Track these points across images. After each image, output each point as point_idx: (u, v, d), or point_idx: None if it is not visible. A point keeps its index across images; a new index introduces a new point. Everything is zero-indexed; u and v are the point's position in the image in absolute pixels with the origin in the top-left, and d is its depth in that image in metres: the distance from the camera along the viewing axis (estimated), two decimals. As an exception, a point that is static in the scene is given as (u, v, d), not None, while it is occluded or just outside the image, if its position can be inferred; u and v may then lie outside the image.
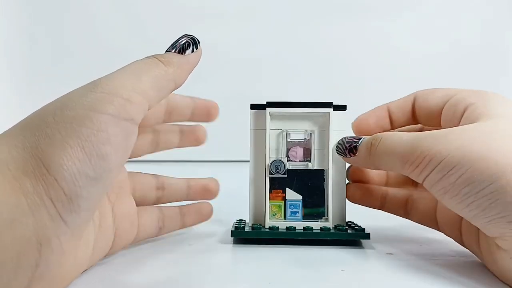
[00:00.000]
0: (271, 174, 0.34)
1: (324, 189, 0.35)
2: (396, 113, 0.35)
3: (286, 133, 0.35)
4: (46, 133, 0.21)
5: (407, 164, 0.27)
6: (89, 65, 0.77)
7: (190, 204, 0.36)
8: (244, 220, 0.36)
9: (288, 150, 0.35)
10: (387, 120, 0.35)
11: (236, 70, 0.80)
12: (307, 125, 0.35)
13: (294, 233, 0.33)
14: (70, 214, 0.21)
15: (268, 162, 0.34)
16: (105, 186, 0.23)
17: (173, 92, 0.27)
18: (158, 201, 0.35)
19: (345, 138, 0.33)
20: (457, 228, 0.31)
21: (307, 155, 0.35)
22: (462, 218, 0.30)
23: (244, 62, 0.80)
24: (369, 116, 0.35)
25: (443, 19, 0.83)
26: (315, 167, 0.35)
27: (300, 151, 0.35)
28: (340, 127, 0.35)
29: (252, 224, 0.34)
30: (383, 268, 0.29)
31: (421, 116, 0.34)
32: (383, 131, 0.34)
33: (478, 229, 0.28)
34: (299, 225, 0.33)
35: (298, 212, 0.34)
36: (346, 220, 0.35)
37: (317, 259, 0.31)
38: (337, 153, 0.33)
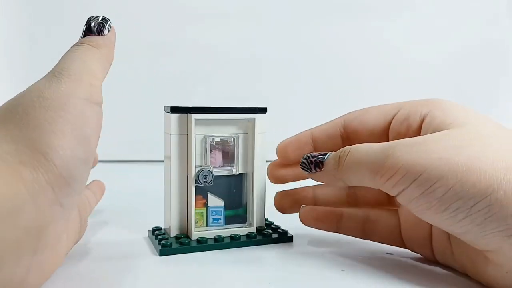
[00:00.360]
0: (197, 183, 0.32)
1: (246, 193, 0.34)
2: (321, 140, 0.33)
3: (212, 138, 0.33)
4: (33, 123, 0.22)
5: (378, 176, 0.25)
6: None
7: (87, 184, 0.35)
8: (161, 228, 0.34)
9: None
10: (310, 148, 0.34)
11: (236, 70, 0.80)
12: (231, 129, 0.33)
13: (222, 244, 0.32)
14: (67, 198, 0.22)
15: (194, 171, 0.32)
16: (90, 168, 0.24)
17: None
18: None
19: (310, 153, 0.30)
20: (427, 246, 0.30)
21: (228, 160, 0.34)
22: (431, 234, 0.29)
23: (244, 62, 0.80)
24: (289, 143, 0.34)
25: (443, 19, 0.83)
26: (239, 172, 0.34)
27: (219, 155, 0.34)
28: (262, 130, 0.34)
29: (176, 235, 0.33)
30: (383, 268, 0.29)
31: (359, 139, 0.31)
32: None
33: (451, 245, 0.28)
34: (225, 233, 0.33)
35: (220, 218, 0.33)
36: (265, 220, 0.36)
37: (317, 259, 0.31)
38: (302, 168, 0.30)
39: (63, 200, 0.22)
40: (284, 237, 0.34)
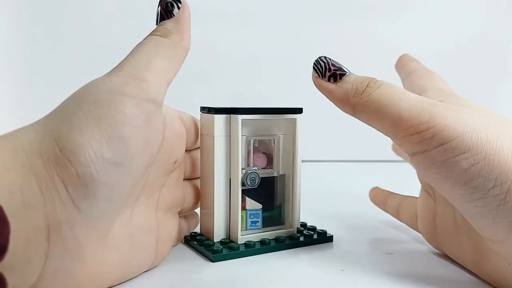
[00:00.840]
0: (244, 186, 0.31)
1: (284, 194, 0.34)
2: None
3: (255, 140, 0.32)
4: (66, 116, 0.20)
5: (403, 127, 0.23)
6: (89, 65, 0.77)
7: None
8: (197, 233, 0.33)
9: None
10: None
11: (236, 70, 0.80)
12: (272, 130, 0.33)
13: (268, 248, 0.31)
14: (85, 201, 0.19)
15: (240, 174, 0.31)
16: (129, 175, 0.21)
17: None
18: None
19: (330, 58, 0.27)
20: (434, 236, 0.30)
21: (269, 162, 0.33)
22: (435, 224, 0.29)
23: (244, 62, 0.80)
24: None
25: (442, 19, 0.83)
26: (280, 173, 0.33)
27: (261, 157, 0.33)
28: (301, 131, 0.33)
29: (221, 240, 0.31)
30: (383, 268, 0.29)
31: None
32: None
33: (457, 236, 0.28)
34: (268, 235, 0.32)
35: (258, 221, 0.33)
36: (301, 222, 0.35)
37: (317, 259, 0.31)
38: (314, 68, 0.27)
39: (79, 202, 0.19)
40: (324, 238, 0.34)
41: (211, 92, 0.78)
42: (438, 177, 0.23)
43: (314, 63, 0.27)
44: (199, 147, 0.33)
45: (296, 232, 0.34)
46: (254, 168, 0.32)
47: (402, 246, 0.33)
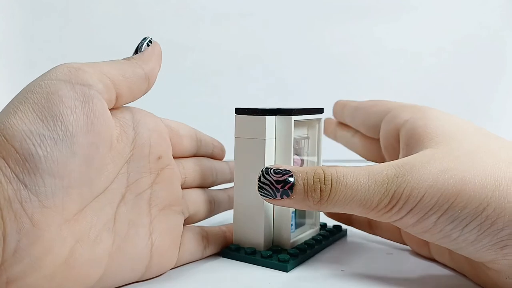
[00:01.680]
0: None
1: None
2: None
3: (294, 141, 0.31)
4: (5, 108, 0.22)
5: (373, 211, 0.24)
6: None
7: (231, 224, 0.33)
8: (236, 246, 0.31)
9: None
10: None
11: (237, 70, 0.80)
12: (303, 131, 0.32)
13: (316, 249, 0.31)
14: (29, 176, 0.21)
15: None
16: (73, 152, 0.22)
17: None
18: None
19: (268, 171, 0.25)
20: (425, 247, 0.30)
21: (302, 163, 0.33)
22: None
23: (245, 62, 0.80)
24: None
25: (441, 18, 0.83)
26: None
27: (299, 160, 0.33)
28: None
29: (271, 248, 0.30)
30: (383, 268, 0.29)
31: (360, 127, 0.35)
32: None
33: (449, 250, 0.28)
34: (304, 237, 0.32)
35: (293, 224, 0.32)
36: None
37: (317, 259, 0.31)
38: (261, 195, 0.26)
39: (24, 178, 0.20)
40: (342, 233, 0.35)
41: (212, 93, 0.78)
42: (417, 232, 0.24)
43: (259, 190, 0.26)
44: (203, 155, 0.33)
45: (319, 231, 0.34)
46: None
47: (402, 246, 0.33)
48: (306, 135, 0.33)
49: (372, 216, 0.25)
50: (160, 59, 0.28)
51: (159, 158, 0.28)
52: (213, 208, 0.33)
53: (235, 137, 0.30)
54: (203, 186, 0.33)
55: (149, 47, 0.28)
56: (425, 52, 0.83)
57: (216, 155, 0.35)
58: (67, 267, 0.22)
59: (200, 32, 0.79)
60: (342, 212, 0.25)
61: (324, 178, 0.25)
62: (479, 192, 0.22)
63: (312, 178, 0.25)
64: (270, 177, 0.25)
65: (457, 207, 0.22)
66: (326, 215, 0.36)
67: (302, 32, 0.82)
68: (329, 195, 0.24)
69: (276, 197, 0.25)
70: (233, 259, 0.30)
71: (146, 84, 0.27)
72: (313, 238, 0.32)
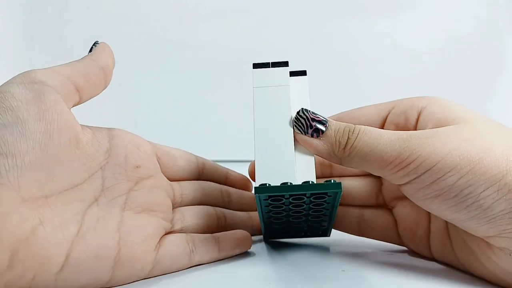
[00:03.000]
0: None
1: None
2: None
3: None
4: None
5: (389, 168, 0.25)
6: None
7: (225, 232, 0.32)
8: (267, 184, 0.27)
9: None
10: None
11: (236, 69, 0.80)
12: None
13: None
14: None
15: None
16: (24, 137, 0.24)
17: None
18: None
19: (308, 110, 0.28)
20: (424, 244, 0.30)
21: None
22: (429, 233, 0.30)
23: (243, 62, 0.80)
24: None
25: (440, 16, 0.83)
26: None
27: None
28: None
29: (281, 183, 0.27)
30: (383, 268, 0.29)
31: None
32: None
33: (451, 240, 0.28)
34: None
35: None
36: None
37: (317, 259, 0.31)
38: (295, 126, 0.28)
39: None
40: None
41: (213, 92, 0.78)
42: (429, 196, 0.25)
43: (294, 120, 0.28)
44: (202, 179, 0.33)
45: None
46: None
47: (402, 246, 0.33)
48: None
49: (387, 173, 0.25)
50: (111, 53, 0.30)
51: (136, 167, 0.29)
52: (223, 224, 0.32)
53: (254, 88, 0.31)
54: (203, 203, 0.33)
55: (97, 45, 0.30)
56: (424, 49, 0.83)
57: (230, 183, 0.36)
58: (28, 244, 0.22)
59: (196, 29, 0.79)
60: (363, 166, 0.26)
61: (354, 129, 0.27)
62: (499, 161, 0.23)
63: (343, 127, 0.27)
64: (309, 114, 0.28)
65: (477, 172, 0.23)
66: None
67: (301, 29, 0.82)
68: (353, 143, 0.26)
69: (308, 133, 0.27)
70: (271, 192, 0.26)
71: (103, 74, 0.29)
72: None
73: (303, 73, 0.32)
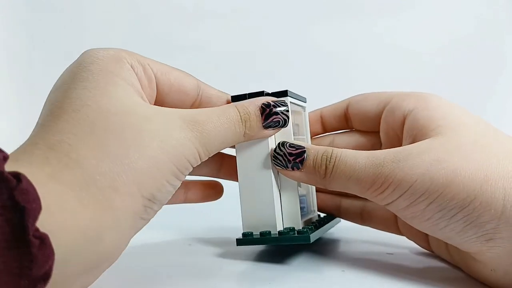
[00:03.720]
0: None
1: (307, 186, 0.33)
2: (329, 119, 0.35)
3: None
4: (140, 146, 0.21)
5: (369, 191, 0.26)
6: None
7: (197, 180, 0.32)
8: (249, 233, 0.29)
9: None
10: (319, 125, 0.35)
11: (234, 69, 0.80)
12: (296, 119, 0.32)
13: (323, 229, 0.31)
14: (141, 222, 0.23)
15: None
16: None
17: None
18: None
19: (284, 144, 0.28)
20: (423, 238, 0.31)
21: None
22: None
23: (241, 61, 0.80)
24: None
25: (439, 17, 0.83)
26: None
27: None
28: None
29: (282, 230, 0.28)
30: (383, 268, 0.29)
31: (356, 121, 0.33)
32: (315, 135, 0.35)
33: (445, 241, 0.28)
34: (312, 219, 0.32)
35: (305, 207, 0.32)
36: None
37: (317, 259, 0.31)
38: (275, 164, 0.28)
39: (138, 223, 0.22)
40: (337, 219, 0.35)
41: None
42: (408, 217, 0.26)
43: (272, 159, 0.28)
44: None
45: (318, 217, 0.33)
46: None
47: (402, 246, 0.33)
48: (296, 123, 0.32)
49: (368, 196, 0.26)
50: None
51: None
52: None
53: None
54: None
55: (270, 132, 0.28)
56: (423, 49, 0.83)
57: None
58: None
59: (193, 30, 0.79)
60: (345, 190, 0.27)
61: (331, 156, 0.27)
62: (467, 185, 0.23)
63: (321, 155, 0.27)
64: (285, 149, 0.28)
65: (446, 197, 0.23)
66: (319, 207, 0.35)
67: (300, 30, 0.82)
68: (331, 172, 0.26)
69: (288, 168, 0.28)
70: (249, 244, 0.28)
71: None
72: (318, 219, 0.32)
73: (283, 93, 0.29)
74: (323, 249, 0.33)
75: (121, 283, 0.26)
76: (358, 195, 0.27)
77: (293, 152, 0.27)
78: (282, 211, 0.29)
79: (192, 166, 0.24)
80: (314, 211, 0.33)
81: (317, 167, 0.27)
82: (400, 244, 0.34)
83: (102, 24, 0.81)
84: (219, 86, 0.30)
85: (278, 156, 0.28)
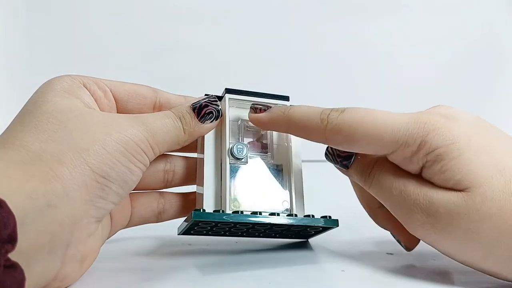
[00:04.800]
0: (233, 158, 0.30)
1: (284, 185, 0.32)
2: None
3: (247, 122, 0.32)
4: (83, 131, 0.24)
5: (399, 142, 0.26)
6: (88, 65, 0.77)
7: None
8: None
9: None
10: None
11: (231, 70, 0.80)
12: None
13: (261, 217, 0.28)
14: (100, 200, 0.24)
15: (228, 146, 0.30)
16: (133, 179, 0.25)
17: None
18: (167, 184, 0.33)
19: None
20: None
21: (264, 149, 0.32)
22: None
23: (239, 61, 0.80)
24: None
25: (439, 18, 0.83)
26: (275, 163, 0.32)
27: (258, 144, 0.32)
28: None
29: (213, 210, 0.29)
30: (383, 268, 0.29)
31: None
32: None
33: None
34: (265, 209, 0.30)
35: None
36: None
37: (317, 259, 0.31)
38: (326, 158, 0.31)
39: (97, 202, 0.23)
40: (329, 221, 0.30)
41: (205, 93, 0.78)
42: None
43: (325, 155, 0.31)
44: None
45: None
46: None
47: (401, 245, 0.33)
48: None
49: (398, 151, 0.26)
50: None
51: None
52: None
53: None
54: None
55: (208, 126, 0.30)
56: (417, 51, 0.83)
57: None
58: (94, 251, 0.26)
59: (181, 32, 0.80)
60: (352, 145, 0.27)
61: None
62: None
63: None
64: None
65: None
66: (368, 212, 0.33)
67: (291, 31, 0.81)
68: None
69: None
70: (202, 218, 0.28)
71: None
72: (270, 213, 0.29)
73: (285, 98, 0.33)
74: (323, 249, 0.33)
75: (120, 284, 0.26)
76: (379, 150, 0.27)
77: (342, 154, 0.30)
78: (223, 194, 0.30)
79: (145, 152, 0.26)
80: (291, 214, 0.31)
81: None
82: (400, 245, 0.34)
83: (101, 24, 0.80)
84: (203, 86, 0.31)
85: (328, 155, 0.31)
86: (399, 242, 0.31)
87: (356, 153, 0.29)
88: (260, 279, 0.27)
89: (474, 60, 0.84)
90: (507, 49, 0.85)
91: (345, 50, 0.82)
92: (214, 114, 0.30)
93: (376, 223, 0.33)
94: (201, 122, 0.29)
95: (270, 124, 0.30)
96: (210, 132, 0.31)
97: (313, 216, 0.30)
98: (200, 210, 0.28)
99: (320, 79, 0.81)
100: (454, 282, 0.27)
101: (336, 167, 0.31)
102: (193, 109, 0.29)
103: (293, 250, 0.32)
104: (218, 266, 0.29)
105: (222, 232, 0.31)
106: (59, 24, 0.80)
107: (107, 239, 0.29)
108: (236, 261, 0.30)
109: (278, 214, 0.29)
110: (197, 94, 0.32)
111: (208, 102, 0.30)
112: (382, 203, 0.28)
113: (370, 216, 0.33)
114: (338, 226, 0.30)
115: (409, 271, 0.28)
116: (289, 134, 0.32)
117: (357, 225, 0.39)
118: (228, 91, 0.32)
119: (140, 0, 0.81)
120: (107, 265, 0.28)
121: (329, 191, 0.56)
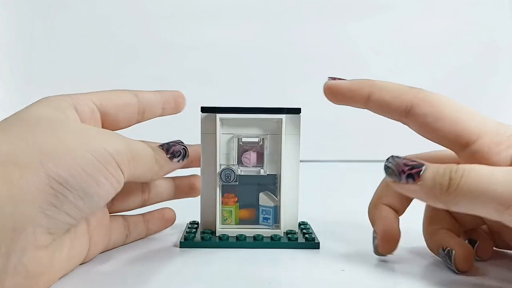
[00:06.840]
0: (222, 182, 0.33)
1: (276, 195, 0.34)
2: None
3: (238, 139, 0.33)
4: (51, 135, 0.24)
5: (509, 210, 0.22)
6: (88, 65, 0.77)
7: (153, 210, 0.35)
8: (197, 223, 0.36)
9: (240, 155, 0.33)
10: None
11: (222, 70, 0.80)
12: (259, 130, 0.33)
13: (243, 243, 0.32)
14: (52, 209, 0.22)
15: (218, 169, 0.33)
16: (102, 193, 0.24)
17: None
18: (143, 203, 0.35)
19: (397, 158, 0.26)
20: None
21: (260, 161, 0.33)
22: None
23: (238, 62, 0.80)
24: (342, 88, 0.29)
25: (438, 19, 0.84)
26: (268, 173, 0.33)
27: (253, 156, 0.33)
28: (294, 131, 0.33)
29: (204, 230, 0.34)
30: (383, 268, 0.29)
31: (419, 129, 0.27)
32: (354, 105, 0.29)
33: None
34: (249, 232, 0.33)
35: (270, 218, 0.34)
36: (301, 221, 0.36)
37: (317, 259, 0.31)
38: (386, 173, 0.26)
39: (47, 209, 0.22)
40: (309, 244, 0.33)
41: (208, 93, 0.78)
42: None
43: (385, 169, 0.26)
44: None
45: (283, 234, 0.33)
46: (232, 165, 0.33)
47: (402, 246, 0.33)
48: (262, 134, 0.33)
49: (505, 217, 0.22)
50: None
51: None
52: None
53: (201, 133, 0.34)
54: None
55: (177, 164, 0.31)
56: (422, 50, 0.83)
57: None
58: (47, 278, 0.24)
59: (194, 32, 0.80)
60: (470, 210, 0.23)
61: (457, 169, 0.23)
62: None
63: (443, 168, 0.24)
64: (398, 160, 0.25)
65: None
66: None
67: (283, 31, 0.82)
68: (457, 185, 0.23)
69: (401, 180, 0.25)
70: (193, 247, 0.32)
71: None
72: (254, 236, 0.33)
73: (297, 111, 0.33)
74: (323, 249, 0.33)
75: (120, 284, 0.26)
76: (486, 216, 0.23)
77: (408, 163, 0.25)
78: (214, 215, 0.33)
79: (119, 167, 0.25)
80: (278, 227, 0.33)
81: (439, 177, 0.23)
82: (400, 245, 0.34)
83: (102, 24, 0.81)
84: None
85: (389, 166, 0.26)
86: (449, 266, 0.28)
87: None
88: (260, 279, 0.27)
89: (470, 61, 0.84)
90: (504, 50, 0.86)
91: (342, 52, 0.82)
92: (182, 153, 0.31)
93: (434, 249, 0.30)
94: (170, 159, 0.30)
95: (351, 90, 0.27)
96: (206, 149, 0.33)
97: (303, 228, 0.35)
98: (188, 238, 0.32)
99: (320, 79, 0.82)
100: (455, 283, 0.27)
101: (396, 187, 0.26)
102: (161, 147, 0.30)
103: (293, 250, 0.32)
104: (218, 267, 0.29)
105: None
106: (59, 24, 0.80)
107: (86, 261, 0.29)
108: (236, 261, 0.30)
109: (262, 239, 0.32)
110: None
111: (176, 143, 0.31)
112: (472, 206, 0.23)
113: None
114: (318, 248, 0.32)
115: (409, 271, 0.28)
116: (283, 142, 0.33)
117: (357, 225, 0.39)
118: (219, 110, 0.33)
119: (140, 0, 0.81)
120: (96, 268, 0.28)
121: (329, 191, 0.56)
